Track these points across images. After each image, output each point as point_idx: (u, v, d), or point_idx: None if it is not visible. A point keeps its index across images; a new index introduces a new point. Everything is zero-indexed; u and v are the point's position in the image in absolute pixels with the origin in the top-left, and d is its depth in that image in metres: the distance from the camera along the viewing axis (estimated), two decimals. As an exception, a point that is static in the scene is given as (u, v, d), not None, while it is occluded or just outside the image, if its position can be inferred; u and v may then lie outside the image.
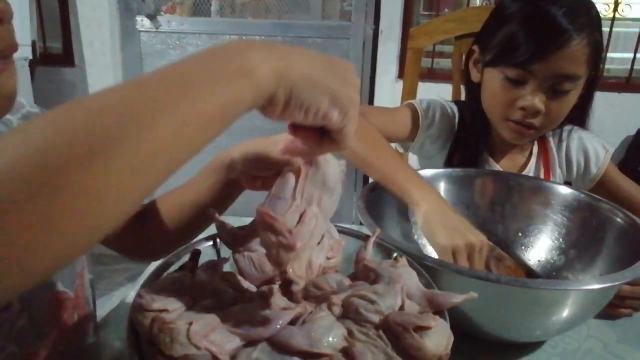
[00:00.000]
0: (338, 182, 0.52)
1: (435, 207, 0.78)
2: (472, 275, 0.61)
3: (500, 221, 0.99)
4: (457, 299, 0.53)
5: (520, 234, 0.97)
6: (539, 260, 0.94)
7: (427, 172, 0.97)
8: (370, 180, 0.89)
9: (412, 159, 1.28)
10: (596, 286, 0.61)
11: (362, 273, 0.59)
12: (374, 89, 2.38)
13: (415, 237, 0.93)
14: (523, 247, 0.97)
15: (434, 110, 1.11)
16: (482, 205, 1.00)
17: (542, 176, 1.09)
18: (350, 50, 2.45)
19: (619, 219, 0.82)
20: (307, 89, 0.39)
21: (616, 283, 0.62)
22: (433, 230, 0.76)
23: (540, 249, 0.95)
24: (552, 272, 0.92)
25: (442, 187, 0.99)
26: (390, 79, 2.37)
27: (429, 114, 1.10)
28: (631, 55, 2.22)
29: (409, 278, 0.56)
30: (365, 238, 0.65)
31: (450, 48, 1.64)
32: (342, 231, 0.64)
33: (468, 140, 1.09)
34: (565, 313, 0.65)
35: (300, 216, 0.48)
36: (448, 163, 1.10)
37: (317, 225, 0.49)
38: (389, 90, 2.37)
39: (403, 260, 0.60)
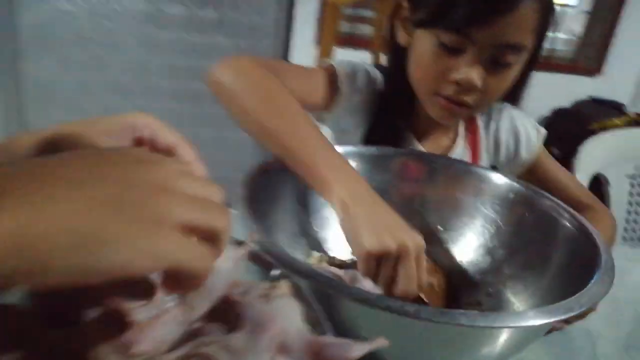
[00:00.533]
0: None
1: (361, 199, 0.61)
2: (384, 307, 0.43)
3: (419, 211, 0.82)
4: (355, 351, 0.35)
5: (441, 228, 0.82)
6: (461, 261, 0.79)
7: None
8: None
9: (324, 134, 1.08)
10: (539, 322, 0.46)
11: (220, 311, 0.38)
12: (287, 53, 2.15)
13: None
14: (444, 243, 0.82)
15: (358, 75, 0.91)
16: (398, 192, 0.83)
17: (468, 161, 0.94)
18: (264, 8, 2.19)
19: (564, 221, 0.68)
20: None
21: (557, 318, 0.47)
22: (357, 230, 0.58)
23: (464, 246, 0.80)
24: (476, 275, 0.77)
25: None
26: (307, 42, 2.16)
27: (353, 80, 0.90)
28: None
29: (288, 318, 0.37)
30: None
31: (372, 14, 1.45)
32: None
33: (389, 116, 0.91)
34: (499, 349, 0.49)
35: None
36: (365, 141, 0.91)
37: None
38: (304, 56, 2.15)
39: (282, 287, 0.40)
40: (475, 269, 0.78)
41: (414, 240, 0.58)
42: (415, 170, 0.83)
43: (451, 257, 0.80)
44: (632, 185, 1.24)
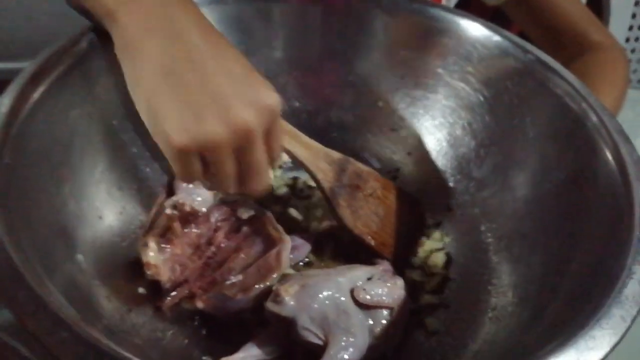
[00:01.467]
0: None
1: (165, 33, 0.32)
2: None
3: (346, 81, 0.54)
4: None
5: (381, 104, 0.54)
6: (415, 157, 0.53)
7: None
8: None
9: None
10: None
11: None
12: None
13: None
14: (389, 130, 0.54)
15: None
16: (306, 49, 0.52)
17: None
18: None
19: (579, 113, 0.41)
20: None
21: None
22: (153, 100, 0.31)
23: (418, 134, 0.53)
24: (436, 178, 0.52)
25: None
26: None
27: None
28: None
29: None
30: None
31: None
32: None
33: None
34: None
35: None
36: None
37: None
38: None
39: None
40: (435, 170, 0.53)
41: (263, 110, 0.32)
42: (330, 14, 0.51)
43: (399, 151, 0.54)
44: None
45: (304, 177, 0.52)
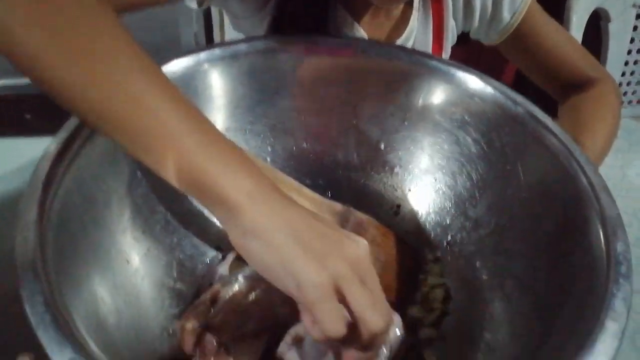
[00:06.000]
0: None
1: (269, 205, 0.34)
2: None
3: (350, 125, 0.57)
4: None
5: (384, 154, 0.58)
6: (418, 211, 0.57)
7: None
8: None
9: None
10: None
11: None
12: None
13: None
14: (389, 183, 0.58)
15: None
16: (313, 96, 0.56)
17: (429, 40, 0.64)
18: None
19: (569, 167, 0.44)
20: None
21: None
22: (286, 257, 0.33)
23: (421, 189, 0.57)
24: (440, 237, 0.56)
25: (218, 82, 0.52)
26: None
27: None
28: None
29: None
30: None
31: None
32: None
33: None
34: None
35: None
36: (273, 28, 0.59)
37: None
38: None
39: None
40: (433, 207, 0.56)
41: (360, 246, 0.36)
42: (333, 69, 0.54)
43: (400, 189, 0.58)
44: (639, 17, 0.96)
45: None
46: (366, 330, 0.33)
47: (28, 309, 0.31)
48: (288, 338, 0.42)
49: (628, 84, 1.02)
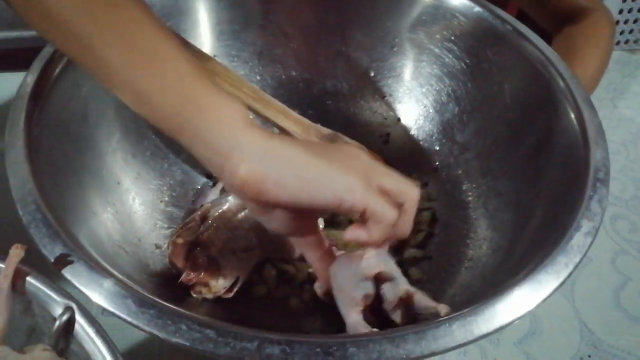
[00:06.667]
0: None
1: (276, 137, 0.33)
2: None
3: (339, 53, 0.57)
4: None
5: (373, 82, 0.58)
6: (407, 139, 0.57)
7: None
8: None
9: None
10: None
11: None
12: None
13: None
14: (378, 111, 0.58)
15: None
16: (301, 23, 0.56)
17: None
18: None
19: (551, 81, 0.44)
20: None
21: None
22: (320, 168, 0.32)
23: (410, 117, 0.57)
24: (423, 143, 0.56)
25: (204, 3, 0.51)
26: None
27: None
28: None
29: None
30: None
31: None
32: None
33: None
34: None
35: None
36: None
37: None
38: None
39: None
40: (422, 134, 0.57)
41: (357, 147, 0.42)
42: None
43: (390, 117, 0.58)
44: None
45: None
46: (409, 199, 0.35)
47: (20, 209, 0.32)
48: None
49: (625, 22, 1.00)
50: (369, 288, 0.37)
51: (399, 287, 0.37)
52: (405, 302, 0.37)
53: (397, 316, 0.37)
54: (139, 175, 0.49)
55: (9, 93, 0.61)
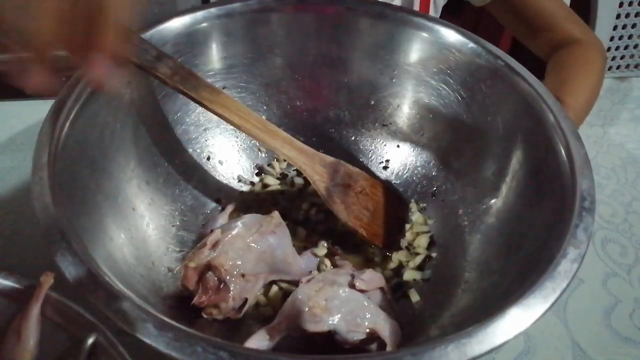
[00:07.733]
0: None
1: None
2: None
3: (341, 83, 0.60)
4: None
5: (373, 102, 0.61)
6: (406, 165, 0.60)
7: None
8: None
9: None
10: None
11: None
12: None
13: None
14: (378, 139, 0.61)
15: None
16: (304, 55, 0.59)
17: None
18: None
19: (543, 114, 0.47)
20: None
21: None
22: None
23: (409, 144, 0.60)
24: (426, 188, 0.59)
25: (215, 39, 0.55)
26: None
27: None
28: None
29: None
30: None
31: None
32: None
33: None
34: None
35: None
36: None
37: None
38: None
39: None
40: (421, 161, 0.60)
41: None
42: (315, 24, 0.57)
43: (390, 144, 0.61)
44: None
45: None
46: None
47: (46, 239, 0.35)
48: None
49: (616, 48, 1.04)
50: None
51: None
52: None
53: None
54: (152, 201, 0.52)
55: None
